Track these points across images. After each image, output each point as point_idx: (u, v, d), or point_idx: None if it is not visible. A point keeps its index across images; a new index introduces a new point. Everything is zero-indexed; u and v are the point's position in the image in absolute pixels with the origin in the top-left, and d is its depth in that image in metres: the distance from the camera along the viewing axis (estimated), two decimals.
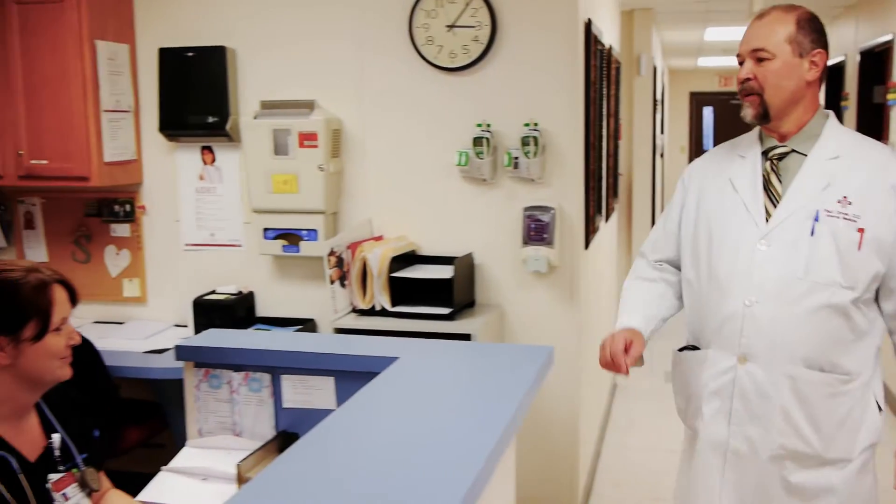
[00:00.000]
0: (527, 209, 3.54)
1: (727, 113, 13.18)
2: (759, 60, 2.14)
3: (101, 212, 4.12)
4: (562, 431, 3.67)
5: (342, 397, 2.27)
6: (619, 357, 2.23)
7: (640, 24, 7.45)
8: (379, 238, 3.73)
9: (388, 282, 3.44)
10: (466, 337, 3.27)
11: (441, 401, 1.78)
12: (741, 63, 2.19)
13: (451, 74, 3.57)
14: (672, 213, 2.42)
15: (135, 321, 4.12)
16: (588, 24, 3.83)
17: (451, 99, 3.60)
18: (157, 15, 3.92)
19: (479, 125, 3.53)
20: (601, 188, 4.59)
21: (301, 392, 2.31)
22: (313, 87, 3.72)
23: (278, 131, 3.63)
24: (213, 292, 3.90)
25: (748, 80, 2.16)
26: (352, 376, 2.25)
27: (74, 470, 1.94)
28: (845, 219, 2.08)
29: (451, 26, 3.52)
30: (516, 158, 3.51)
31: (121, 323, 4.11)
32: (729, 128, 13.83)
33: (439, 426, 1.75)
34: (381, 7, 3.62)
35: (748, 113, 2.18)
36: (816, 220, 2.10)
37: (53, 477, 1.88)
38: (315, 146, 3.60)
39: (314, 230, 3.72)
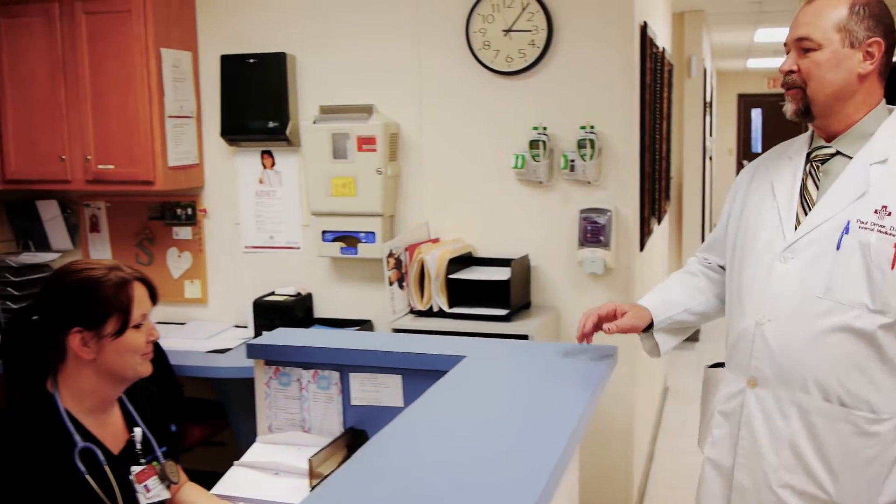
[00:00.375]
0: (583, 211, 3.57)
1: (776, 115, 13.02)
2: (805, 51, 1.90)
3: (164, 215, 4.22)
4: (617, 433, 3.68)
5: (409, 395, 2.31)
6: (588, 317, 2.16)
7: (690, 25, 7.42)
8: (436, 240, 3.78)
9: (446, 283, 3.48)
10: (524, 338, 3.29)
11: (509, 401, 1.80)
12: (788, 53, 1.97)
13: (508, 78, 3.61)
14: (722, 219, 2.25)
15: (196, 322, 4.21)
16: (644, 27, 3.84)
17: (508, 102, 3.64)
18: (218, 23, 4.01)
19: (536, 128, 3.56)
20: (655, 190, 4.59)
21: (369, 390, 2.36)
22: (371, 92, 3.79)
23: (337, 135, 3.69)
24: (272, 293, 3.98)
25: (791, 72, 1.93)
26: (419, 374, 2.29)
27: (155, 463, 2.00)
28: (881, 231, 1.82)
29: (507, 30, 3.56)
30: (572, 161, 3.53)
31: (182, 323, 4.21)
32: (777, 130, 13.69)
33: (508, 427, 1.76)
34: (439, 12, 3.68)
35: (789, 108, 1.96)
36: (846, 231, 1.86)
37: (136, 469, 1.95)
38: (373, 150, 3.66)
39: (372, 233, 3.78)
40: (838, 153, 1.95)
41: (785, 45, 1.97)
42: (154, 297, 1.99)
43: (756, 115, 14.43)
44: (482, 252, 3.74)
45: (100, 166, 3.86)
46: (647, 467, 4.58)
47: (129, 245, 4.30)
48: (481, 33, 3.59)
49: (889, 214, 1.83)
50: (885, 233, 1.82)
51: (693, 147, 7.65)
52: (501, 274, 3.47)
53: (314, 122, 3.75)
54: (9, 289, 4.08)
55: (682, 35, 7.35)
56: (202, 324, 4.16)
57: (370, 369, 2.35)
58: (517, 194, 3.69)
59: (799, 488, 1.91)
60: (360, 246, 3.81)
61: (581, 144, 3.49)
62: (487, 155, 3.70)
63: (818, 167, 1.97)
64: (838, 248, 1.86)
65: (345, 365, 2.37)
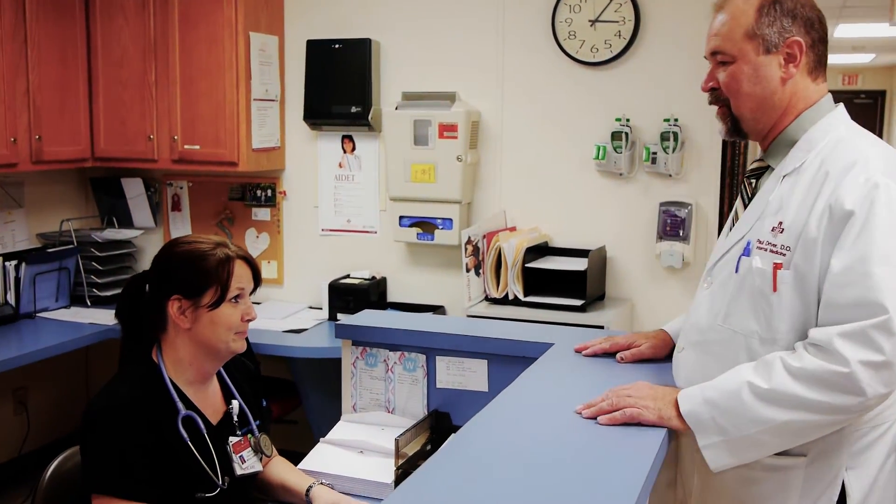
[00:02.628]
0: (663, 204, 3.55)
1: (851, 112, 12.67)
2: (722, 64, 1.75)
3: (245, 196, 4.31)
4: None
5: (494, 380, 2.34)
6: (595, 343, 2.11)
7: None
8: (512, 229, 3.79)
9: (522, 272, 3.50)
10: (599, 328, 3.30)
11: (602, 390, 1.80)
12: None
13: (592, 69, 3.61)
14: None
15: (271, 301, 4.29)
16: None
17: (591, 93, 3.63)
18: (305, 8, 4.07)
19: (619, 119, 3.56)
20: (734, 185, 4.54)
21: (455, 374, 2.39)
22: (454, 79, 3.82)
23: (419, 122, 3.73)
24: (347, 276, 4.04)
25: (713, 89, 1.78)
26: (505, 360, 2.31)
27: (250, 435, 2.06)
28: (772, 251, 1.67)
29: (594, 21, 3.55)
30: (654, 153, 3.52)
31: (258, 303, 4.29)
32: None
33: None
34: (525, 1, 3.68)
35: (720, 129, 1.82)
36: (746, 253, 1.71)
37: (233, 440, 2.01)
38: (454, 137, 3.68)
39: (449, 219, 3.81)
40: (769, 167, 1.80)
41: (705, 58, 1.82)
42: (257, 279, 2.04)
43: None
44: (558, 242, 3.75)
45: (186, 146, 3.96)
46: None
47: (209, 224, 4.39)
48: (567, 23, 3.59)
49: (782, 231, 1.66)
50: (775, 251, 1.66)
51: None
52: (578, 264, 3.47)
53: (396, 108, 3.79)
54: (93, 263, 4.21)
55: None
56: (278, 304, 4.24)
57: (457, 353, 2.37)
58: (596, 185, 3.68)
59: None
60: (436, 232, 3.84)
61: (664, 137, 3.48)
62: (568, 145, 3.70)
63: (751, 184, 1.82)
64: (737, 271, 1.73)
65: (431, 348, 2.40)
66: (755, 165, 1.84)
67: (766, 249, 1.67)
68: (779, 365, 1.59)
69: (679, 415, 1.68)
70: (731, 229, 1.84)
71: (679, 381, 1.85)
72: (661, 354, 2.07)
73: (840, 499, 1.69)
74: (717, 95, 1.78)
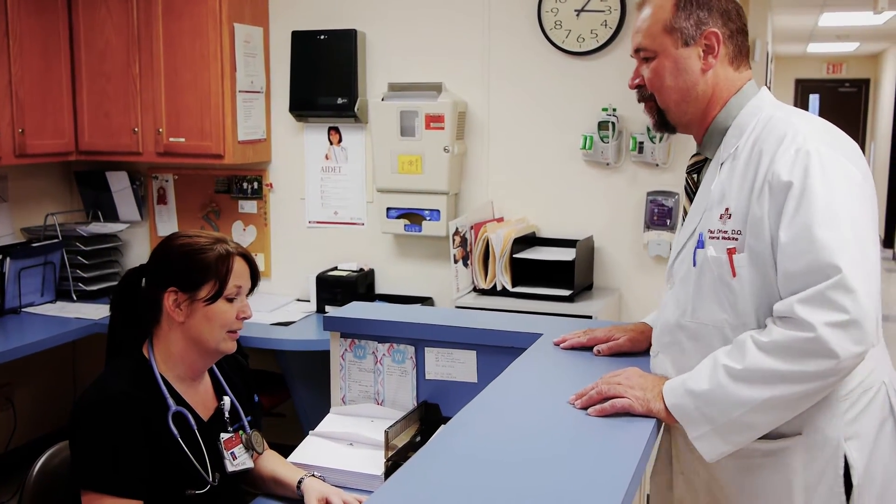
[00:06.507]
0: (650, 194, 3.56)
1: (835, 101, 12.82)
2: (645, 60, 1.79)
3: (231, 189, 4.29)
4: None
5: (483, 371, 2.34)
6: (572, 336, 2.12)
7: (756, 8, 7.29)
8: (500, 220, 3.79)
9: (510, 262, 3.50)
10: (587, 318, 3.30)
11: (590, 381, 1.80)
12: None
13: (579, 58, 3.61)
14: None
15: (259, 294, 4.22)
16: None
17: (578, 83, 3.63)
18: None
19: (605, 109, 3.56)
20: None
21: (444, 364, 2.39)
22: (440, 70, 3.80)
23: (405, 113, 3.72)
24: (334, 269, 4.03)
25: (638, 86, 1.82)
26: (494, 350, 2.31)
27: (241, 432, 2.05)
28: (724, 238, 1.68)
29: (580, 11, 3.55)
30: (641, 143, 3.52)
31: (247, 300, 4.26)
32: (836, 116, 13.42)
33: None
34: None
35: (649, 122, 1.88)
36: (700, 245, 1.73)
37: (224, 436, 2.00)
38: (441, 128, 3.67)
39: (437, 210, 3.81)
40: (707, 159, 1.83)
41: (631, 56, 1.86)
42: (255, 278, 2.03)
43: (814, 100, 14.18)
44: (546, 232, 3.75)
45: (171, 139, 3.93)
46: None
47: (196, 217, 4.37)
48: (553, 13, 3.58)
49: (730, 217, 1.68)
50: (728, 237, 1.68)
51: None
52: (566, 254, 3.48)
53: (382, 100, 3.78)
54: (79, 257, 4.18)
55: (748, 19, 7.24)
56: (265, 297, 4.22)
57: (445, 344, 2.37)
58: (583, 175, 3.68)
59: None
60: (424, 223, 3.84)
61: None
62: (554, 135, 3.70)
63: (694, 178, 1.86)
64: (694, 264, 1.74)
65: (420, 339, 2.40)
66: (693, 160, 1.86)
67: (717, 238, 1.69)
68: (749, 343, 1.60)
69: (666, 408, 1.69)
70: (681, 226, 1.87)
71: None
72: (640, 347, 2.08)
73: (845, 471, 1.69)
74: (643, 92, 1.82)
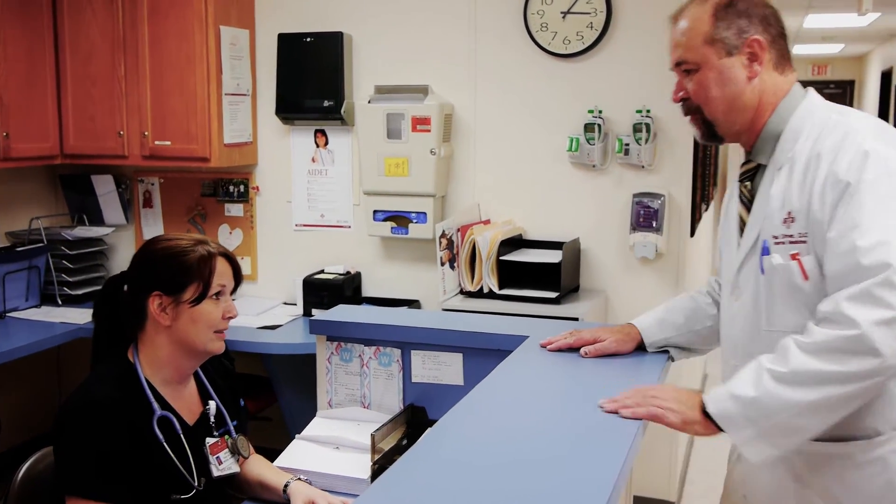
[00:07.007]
0: (636, 195, 3.57)
1: None
2: (687, 73, 1.78)
3: (217, 192, 4.27)
4: None
5: (469, 373, 2.33)
6: (559, 338, 2.10)
7: None
8: (486, 222, 3.79)
9: (497, 265, 3.50)
10: (574, 320, 3.30)
11: (578, 383, 1.81)
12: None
13: (565, 61, 3.62)
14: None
15: (245, 298, 4.26)
16: None
17: (564, 85, 3.64)
18: (276, 1, 4.04)
19: (591, 111, 3.57)
20: (705, 176, 4.58)
21: (430, 367, 2.38)
22: (427, 72, 3.81)
23: (392, 115, 3.72)
24: (321, 272, 4.02)
25: (683, 99, 1.81)
26: (480, 353, 2.31)
27: (227, 437, 2.04)
28: (790, 242, 1.68)
29: (566, 13, 3.56)
30: (627, 145, 3.53)
31: (233, 299, 4.25)
32: None
33: (579, 410, 1.76)
34: None
35: (696, 134, 1.85)
36: (765, 252, 1.72)
37: (209, 441, 1.99)
38: (427, 130, 3.68)
39: (423, 213, 3.80)
40: (760, 165, 1.81)
41: (671, 70, 1.84)
42: (238, 277, 2.03)
43: None
44: (533, 235, 3.76)
45: (156, 142, 3.92)
46: (688, 452, 4.59)
47: (182, 221, 4.35)
48: (539, 15, 3.59)
49: (794, 221, 1.68)
50: (794, 241, 1.67)
51: None
52: (552, 257, 3.48)
53: (369, 102, 3.77)
54: (64, 262, 4.16)
55: None
56: (252, 300, 4.21)
57: (432, 347, 2.37)
58: (570, 177, 3.69)
59: None
60: (410, 226, 3.84)
61: (637, 128, 3.49)
62: (541, 137, 3.71)
63: (747, 186, 1.83)
64: (763, 272, 1.73)
65: (406, 342, 2.39)
66: (745, 168, 1.84)
67: (783, 243, 1.68)
68: (793, 346, 1.59)
69: (704, 419, 1.66)
70: (741, 235, 1.83)
71: None
72: (626, 349, 2.07)
73: None
74: (689, 105, 1.80)
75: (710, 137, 1.83)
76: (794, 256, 1.67)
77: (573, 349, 2.11)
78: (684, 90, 1.79)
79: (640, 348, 2.10)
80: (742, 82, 1.74)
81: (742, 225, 1.83)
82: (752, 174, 1.83)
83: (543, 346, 2.15)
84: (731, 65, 1.73)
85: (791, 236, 1.67)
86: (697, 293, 2.15)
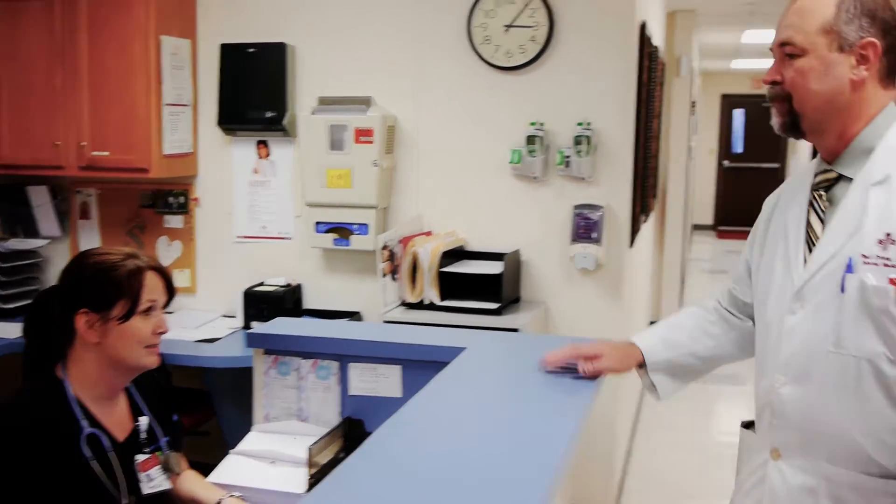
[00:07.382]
0: (577, 207, 3.60)
1: (759, 115, 13.13)
2: (789, 57, 1.65)
3: (156, 203, 4.21)
4: (599, 428, 3.71)
5: (407, 385, 2.33)
6: (554, 355, 2.00)
7: (681, 25, 7.48)
8: (428, 233, 3.80)
9: (438, 276, 3.50)
10: (514, 331, 3.32)
11: (512, 394, 1.82)
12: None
13: (507, 73, 3.64)
14: (745, 249, 1.95)
15: (184, 311, 4.20)
16: (643, 27, 3.88)
17: (506, 98, 3.66)
18: (218, 11, 4.01)
19: (533, 124, 3.59)
20: (645, 188, 4.64)
21: (368, 380, 2.37)
22: (370, 84, 3.80)
23: (335, 127, 3.70)
24: (262, 284, 3.98)
25: (775, 82, 1.68)
26: (418, 365, 2.30)
27: (159, 452, 2.01)
28: (886, 265, 1.55)
29: (508, 26, 3.58)
30: (568, 157, 3.57)
31: (170, 312, 4.18)
32: (760, 131, 13.79)
33: (512, 421, 1.77)
34: (440, 6, 3.70)
35: (775, 122, 1.72)
36: (850, 269, 1.59)
37: (140, 458, 1.96)
38: (370, 142, 3.67)
39: (365, 224, 3.79)
40: (841, 176, 1.68)
41: (770, 49, 1.72)
42: (170, 290, 1.99)
43: (738, 115, 14.54)
44: (475, 246, 3.77)
45: (94, 153, 3.85)
46: (626, 462, 4.63)
47: (120, 233, 4.28)
48: (482, 28, 3.61)
49: (893, 243, 1.56)
50: (890, 265, 1.55)
51: (678, 146, 7.71)
52: (493, 268, 3.49)
53: (312, 113, 3.76)
54: None
55: (673, 34, 7.41)
56: (191, 313, 4.15)
57: (370, 359, 2.36)
58: (511, 189, 3.71)
59: None
60: (352, 238, 3.82)
61: (577, 141, 3.53)
62: (483, 149, 3.73)
63: (822, 196, 1.70)
64: (842, 290, 1.60)
65: (345, 355, 2.38)
66: (824, 176, 1.71)
67: (877, 264, 1.56)
68: None
69: None
70: (809, 247, 1.69)
71: (794, 416, 1.69)
72: (624, 367, 2.02)
73: None
74: (778, 91, 1.68)
75: (789, 130, 1.70)
76: (893, 281, 1.55)
77: (571, 367, 2.02)
78: (780, 75, 1.67)
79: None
80: (844, 82, 1.63)
81: (812, 236, 1.70)
82: (830, 184, 1.70)
83: (545, 364, 2.03)
84: (839, 61, 1.62)
85: (888, 259, 1.56)
86: (701, 308, 2.06)
